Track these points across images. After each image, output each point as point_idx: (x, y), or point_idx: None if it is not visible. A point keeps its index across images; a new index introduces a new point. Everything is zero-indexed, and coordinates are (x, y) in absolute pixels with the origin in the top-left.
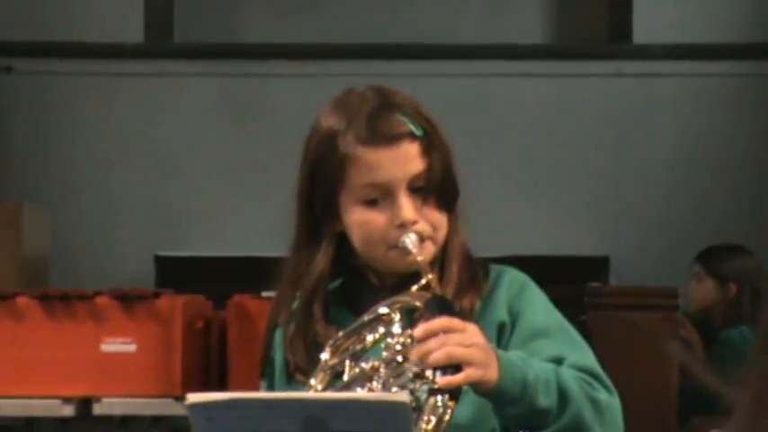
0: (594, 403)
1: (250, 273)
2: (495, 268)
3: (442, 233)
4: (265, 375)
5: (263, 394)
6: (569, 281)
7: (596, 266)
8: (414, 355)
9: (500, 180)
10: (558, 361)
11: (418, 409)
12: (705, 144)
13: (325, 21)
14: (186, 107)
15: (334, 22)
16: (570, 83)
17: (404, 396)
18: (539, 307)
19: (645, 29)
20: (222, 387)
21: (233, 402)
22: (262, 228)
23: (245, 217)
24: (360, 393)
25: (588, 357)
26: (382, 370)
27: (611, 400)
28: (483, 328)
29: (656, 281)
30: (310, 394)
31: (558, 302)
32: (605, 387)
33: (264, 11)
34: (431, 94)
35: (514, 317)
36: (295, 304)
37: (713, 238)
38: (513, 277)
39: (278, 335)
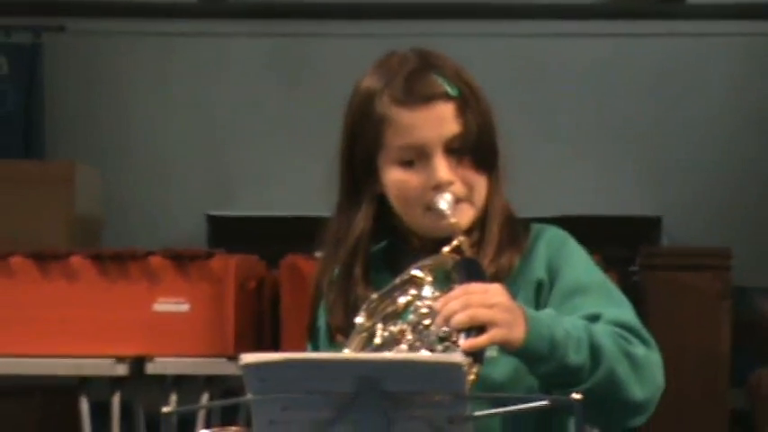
0: (630, 358)
1: (303, 233)
2: (535, 227)
3: (480, 194)
4: (311, 339)
5: (316, 355)
6: (622, 241)
7: (649, 227)
8: (438, 319)
9: (552, 140)
10: (596, 317)
11: None
12: (757, 103)
13: None
14: (239, 67)
15: None
16: (622, 42)
17: (459, 357)
18: (578, 264)
19: None
20: (275, 346)
21: (287, 363)
22: (315, 187)
23: (297, 176)
24: (414, 354)
25: (626, 312)
26: (409, 334)
27: (649, 354)
28: (521, 287)
29: (709, 241)
30: (364, 355)
31: (611, 263)
32: (643, 341)
33: None
34: (482, 54)
35: (553, 274)
36: (336, 271)
37: (765, 198)
38: (553, 235)
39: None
